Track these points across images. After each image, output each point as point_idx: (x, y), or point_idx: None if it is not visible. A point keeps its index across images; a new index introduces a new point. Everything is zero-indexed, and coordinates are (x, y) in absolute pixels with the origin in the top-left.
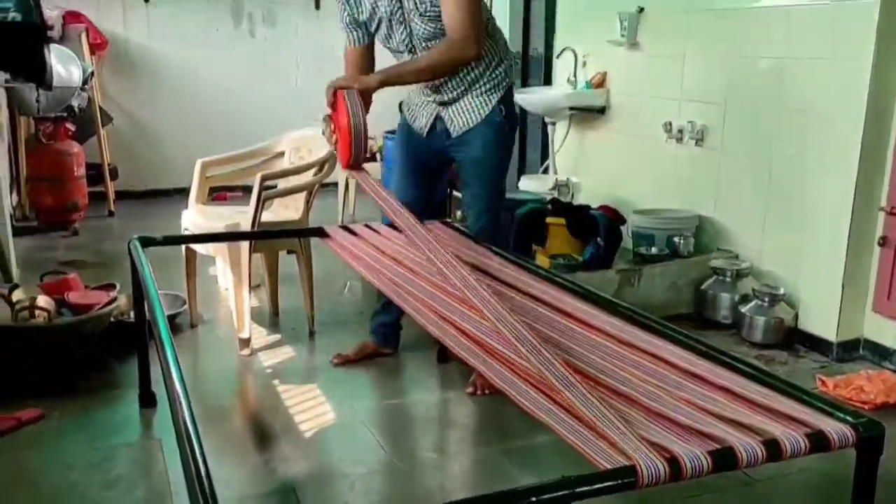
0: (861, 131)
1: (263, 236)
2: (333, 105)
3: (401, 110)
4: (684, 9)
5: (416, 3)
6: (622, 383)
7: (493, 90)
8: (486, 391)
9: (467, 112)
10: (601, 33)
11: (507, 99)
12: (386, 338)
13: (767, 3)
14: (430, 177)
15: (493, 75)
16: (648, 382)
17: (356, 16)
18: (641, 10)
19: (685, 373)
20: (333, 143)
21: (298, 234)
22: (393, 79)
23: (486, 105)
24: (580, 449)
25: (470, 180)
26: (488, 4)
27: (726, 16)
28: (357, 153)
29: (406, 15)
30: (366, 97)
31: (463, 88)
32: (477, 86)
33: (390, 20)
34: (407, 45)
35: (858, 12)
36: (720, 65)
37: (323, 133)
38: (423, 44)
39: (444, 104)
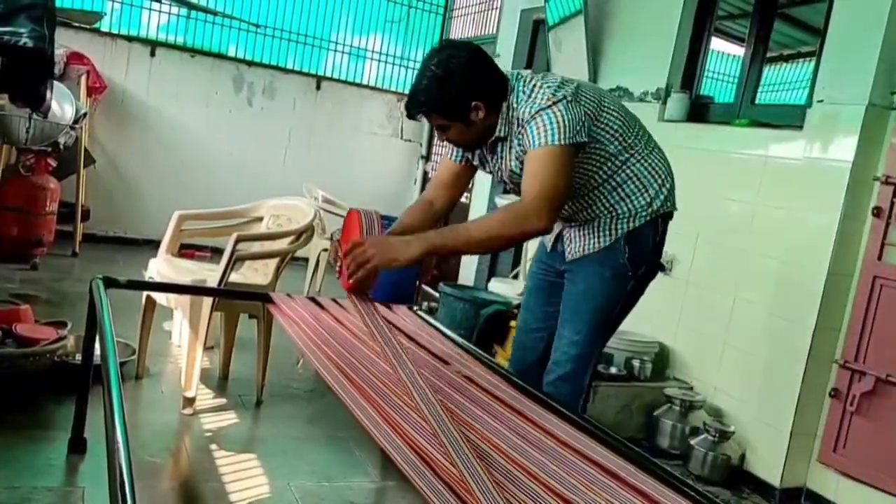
0: (822, 285)
1: (217, 294)
2: (346, 226)
3: None
4: (669, 143)
5: (512, 155)
6: (568, 489)
7: (623, 220)
8: None
9: (586, 237)
10: None
11: (638, 236)
12: None
13: (746, 152)
14: (554, 302)
15: (633, 205)
16: (594, 492)
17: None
18: None
19: (632, 488)
20: (338, 266)
21: (250, 297)
22: (438, 249)
23: (608, 235)
24: None
25: (564, 319)
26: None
27: (708, 156)
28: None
29: (502, 151)
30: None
31: (597, 210)
32: (611, 212)
33: (492, 163)
34: (500, 177)
35: (831, 172)
36: (696, 200)
37: (329, 259)
38: (512, 178)
39: (569, 221)
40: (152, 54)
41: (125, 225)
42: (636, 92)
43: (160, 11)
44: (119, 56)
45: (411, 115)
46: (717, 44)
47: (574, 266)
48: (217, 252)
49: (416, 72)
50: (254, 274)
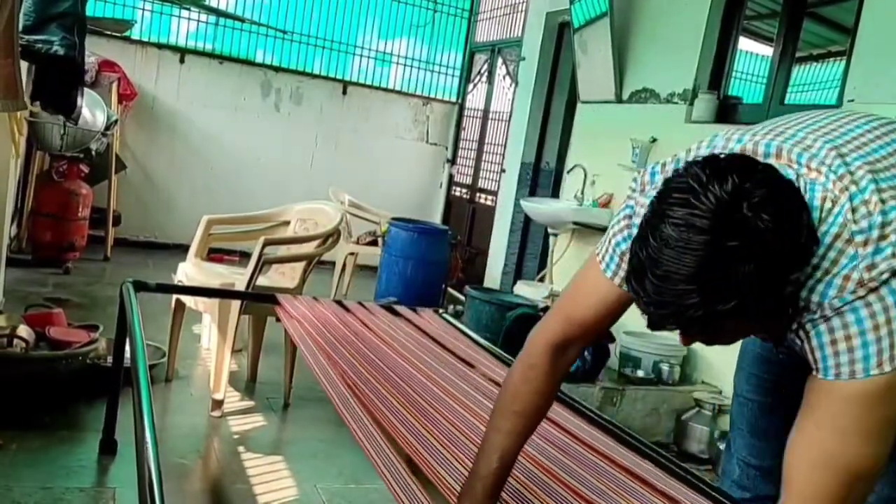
0: None
1: (233, 296)
2: None
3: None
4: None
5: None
6: (596, 493)
7: None
8: None
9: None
10: (613, 156)
11: None
12: None
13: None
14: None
15: None
16: (622, 497)
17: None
18: (654, 140)
19: (661, 494)
20: None
21: (260, 299)
22: None
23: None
24: None
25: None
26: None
27: None
28: None
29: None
30: None
31: None
32: None
33: None
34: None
35: None
36: None
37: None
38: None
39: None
40: (181, 61)
41: (155, 229)
42: (663, 93)
43: (189, 19)
44: (149, 63)
45: (659, 325)
46: (745, 44)
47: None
48: (245, 256)
49: (648, 217)
50: (281, 277)
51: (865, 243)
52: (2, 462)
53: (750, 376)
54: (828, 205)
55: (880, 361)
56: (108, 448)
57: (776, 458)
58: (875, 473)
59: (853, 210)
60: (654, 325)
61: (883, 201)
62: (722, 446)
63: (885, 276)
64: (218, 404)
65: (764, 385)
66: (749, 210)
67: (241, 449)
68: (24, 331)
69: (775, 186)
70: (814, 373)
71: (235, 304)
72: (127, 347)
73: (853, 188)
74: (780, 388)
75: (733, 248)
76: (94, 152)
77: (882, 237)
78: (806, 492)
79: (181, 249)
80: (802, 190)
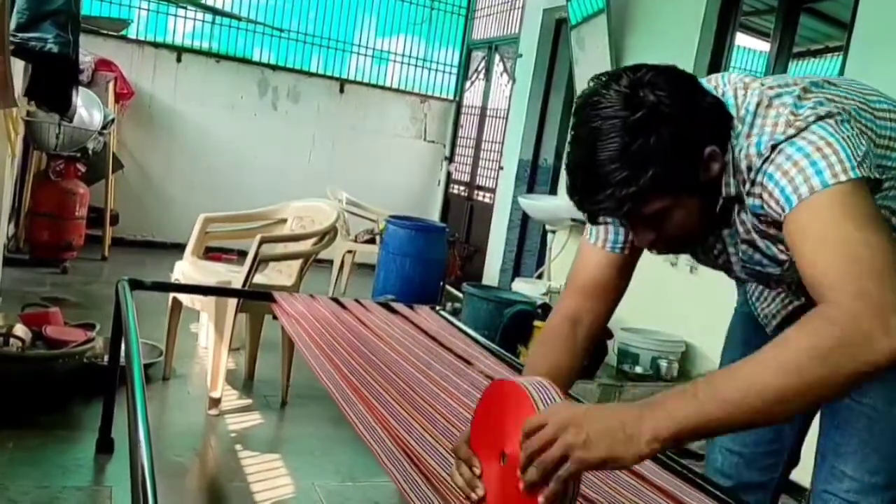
0: None
1: (229, 294)
2: (484, 423)
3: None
4: None
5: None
6: (592, 489)
7: None
8: None
9: None
10: None
11: None
12: None
13: None
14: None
15: None
16: (618, 492)
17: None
18: None
19: (660, 490)
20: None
21: (256, 297)
22: (698, 428)
23: None
24: None
25: (845, 451)
26: None
27: None
28: None
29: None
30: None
31: None
32: None
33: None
34: (723, 264)
35: None
36: None
37: (453, 479)
38: (746, 269)
39: None
40: (178, 60)
41: (153, 228)
42: None
43: (186, 18)
44: (146, 62)
45: (597, 215)
46: (742, 40)
47: None
48: (243, 254)
49: (570, 134)
50: (278, 275)
51: (785, 103)
52: None
53: (732, 362)
54: (741, 91)
55: (835, 173)
56: (105, 447)
57: (757, 445)
58: (893, 256)
59: (767, 85)
60: (593, 218)
61: (801, 88)
62: None
63: (810, 118)
64: (215, 402)
65: None
66: (645, 91)
67: (238, 447)
68: (20, 330)
69: (666, 72)
70: (784, 220)
71: (232, 303)
72: (123, 346)
73: (761, 79)
74: None
75: (639, 122)
76: (90, 151)
77: (801, 98)
78: (838, 290)
79: (178, 248)
80: (717, 89)
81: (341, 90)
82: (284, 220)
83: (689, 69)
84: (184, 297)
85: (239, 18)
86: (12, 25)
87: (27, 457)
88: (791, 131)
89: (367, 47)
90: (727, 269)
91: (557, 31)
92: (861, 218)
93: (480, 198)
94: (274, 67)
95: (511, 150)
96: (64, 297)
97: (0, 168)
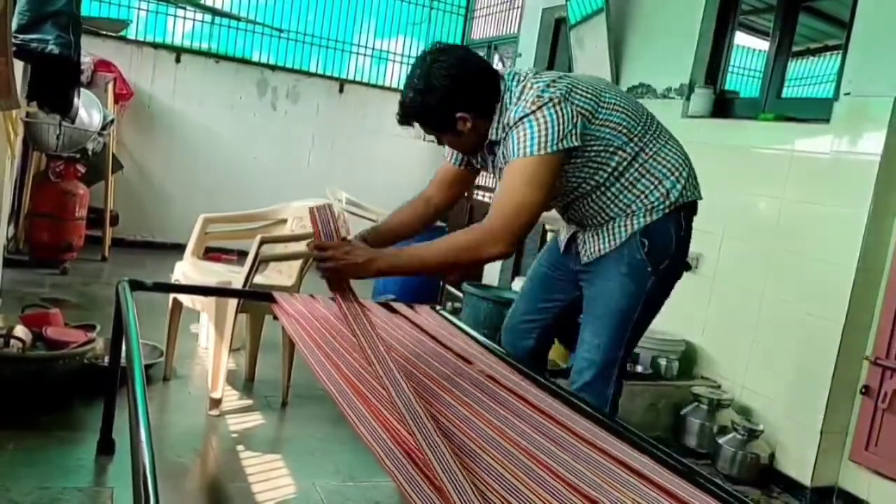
0: (852, 281)
1: (238, 295)
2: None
3: None
4: (693, 139)
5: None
6: (592, 488)
7: (638, 215)
8: None
9: (600, 238)
10: None
11: (656, 231)
12: None
13: (772, 147)
14: (554, 299)
15: (648, 200)
16: (619, 491)
17: None
18: None
19: (658, 488)
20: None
21: (256, 297)
22: (392, 270)
23: (623, 231)
24: None
25: (585, 323)
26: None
27: (733, 152)
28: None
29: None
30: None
31: (610, 212)
32: (626, 210)
33: (492, 165)
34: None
35: (858, 166)
36: (722, 197)
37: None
38: None
39: (581, 226)
40: (178, 61)
41: (153, 229)
42: (659, 88)
43: (185, 18)
44: (145, 63)
45: (400, 123)
46: (741, 38)
47: (590, 268)
48: (243, 255)
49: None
50: (278, 276)
51: (537, 88)
52: None
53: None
54: (519, 79)
55: (539, 148)
56: (106, 448)
57: (524, 314)
58: (536, 210)
59: (536, 75)
60: (404, 118)
61: (555, 81)
62: (721, 440)
63: (544, 100)
64: (216, 403)
65: (539, 278)
66: (434, 69)
67: (239, 447)
68: (20, 331)
69: (455, 53)
70: (509, 161)
71: (232, 303)
72: (124, 347)
73: (527, 77)
74: (547, 284)
75: (431, 73)
76: (90, 152)
77: (549, 85)
78: (495, 213)
79: (179, 249)
80: (516, 76)
81: (341, 90)
82: (284, 221)
83: (688, 68)
84: (184, 298)
85: (238, 18)
86: (13, 26)
87: (28, 458)
88: (529, 109)
89: (366, 47)
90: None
91: (557, 31)
92: (534, 179)
93: (480, 197)
94: (273, 67)
95: None
96: (64, 298)
97: (0, 169)
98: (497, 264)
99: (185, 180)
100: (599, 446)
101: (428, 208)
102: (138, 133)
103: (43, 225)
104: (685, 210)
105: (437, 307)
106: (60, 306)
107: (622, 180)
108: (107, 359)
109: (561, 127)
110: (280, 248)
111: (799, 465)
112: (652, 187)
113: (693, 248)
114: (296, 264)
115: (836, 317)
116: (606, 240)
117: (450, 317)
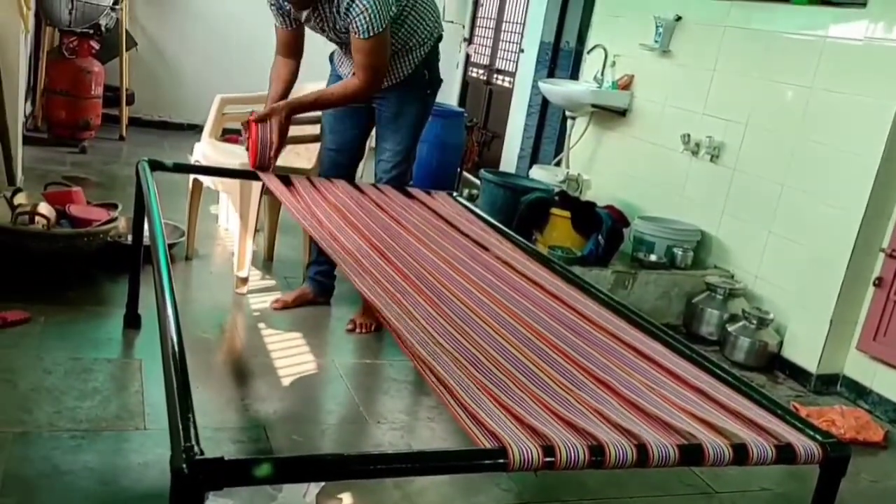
0: (875, 171)
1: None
2: (253, 119)
3: (331, 61)
4: (722, 23)
5: (334, 20)
6: (602, 370)
7: (416, 50)
8: (364, 330)
9: (392, 70)
10: (635, 36)
11: (429, 59)
12: (322, 287)
13: (803, 32)
14: (361, 121)
15: (420, 37)
16: (628, 373)
17: (280, 4)
18: (679, 18)
19: (666, 371)
20: (246, 147)
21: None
22: (301, 108)
23: (410, 64)
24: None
25: (387, 135)
26: None
27: (762, 38)
28: (261, 162)
29: (327, 23)
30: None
31: (394, 48)
32: (405, 45)
33: (316, 22)
34: (334, 40)
35: (892, 54)
36: (748, 85)
37: (240, 136)
38: (336, 37)
39: None
40: None
41: (169, 109)
42: None
43: None
44: None
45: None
46: None
47: (385, 94)
48: None
49: None
50: (296, 158)
51: None
52: (31, 334)
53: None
54: None
55: (369, 31)
56: (133, 322)
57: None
58: (384, 62)
59: None
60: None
61: None
62: (731, 328)
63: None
64: (243, 282)
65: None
66: None
67: (261, 325)
68: (44, 208)
69: None
70: (356, 37)
71: (256, 185)
72: (146, 226)
73: None
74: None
75: None
76: (104, 28)
77: None
78: (362, 75)
79: (195, 130)
80: None
81: None
82: None
83: None
84: (206, 179)
85: None
86: None
87: (59, 331)
88: None
89: None
90: (327, 36)
91: None
92: (377, 49)
93: (500, 82)
94: None
95: (532, 31)
96: (85, 177)
97: (14, 43)
98: (515, 149)
99: (200, 58)
100: (610, 331)
101: (292, 66)
102: (152, 9)
103: (59, 102)
104: (437, 40)
105: (454, 193)
106: (82, 185)
107: (403, 25)
108: (129, 237)
109: (382, 14)
110: (297, 130)
111: (806, 353)
112: (420, 27)
113: (715, 135)
114: (314, 147)
115: (857, 208)
116: (397, 71)
117: (466, 203)
